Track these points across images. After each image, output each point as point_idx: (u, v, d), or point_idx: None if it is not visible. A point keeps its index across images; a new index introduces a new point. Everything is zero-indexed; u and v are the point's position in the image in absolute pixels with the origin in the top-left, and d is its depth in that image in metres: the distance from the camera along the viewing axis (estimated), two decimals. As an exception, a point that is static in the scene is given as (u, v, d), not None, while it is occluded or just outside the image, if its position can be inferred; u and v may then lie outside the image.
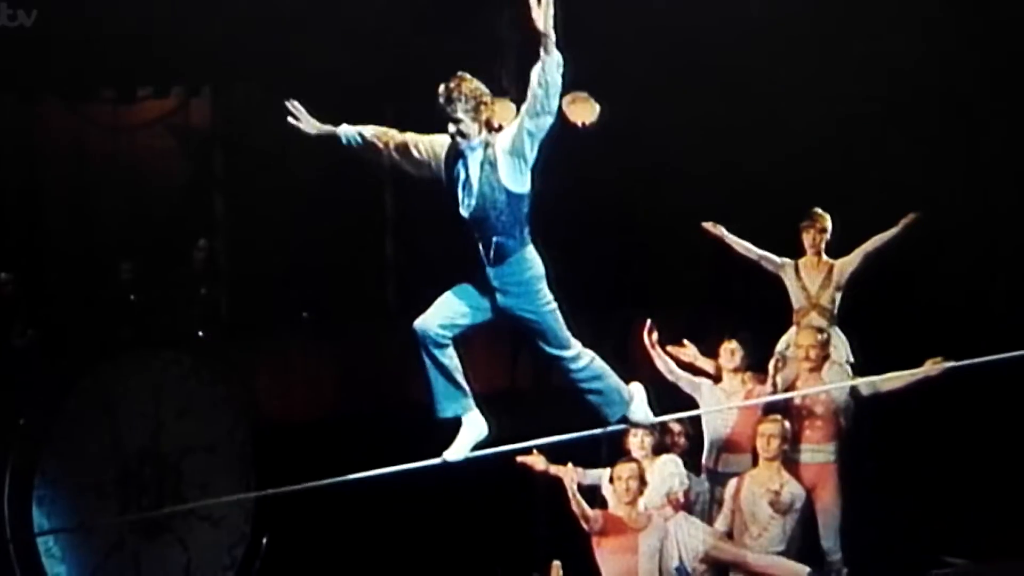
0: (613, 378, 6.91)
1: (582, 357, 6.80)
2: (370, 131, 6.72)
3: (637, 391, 7.07)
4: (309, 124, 6.76)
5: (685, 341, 10.17)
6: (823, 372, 9.95)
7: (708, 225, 10.52)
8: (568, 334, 6.73)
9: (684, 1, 11.59)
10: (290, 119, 6.77)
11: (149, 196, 13.82)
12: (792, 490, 9.47)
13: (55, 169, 13.60)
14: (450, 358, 6.68)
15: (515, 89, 12.07)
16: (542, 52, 6.27)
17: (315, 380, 12.38)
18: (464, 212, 6.53)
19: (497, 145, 6.45)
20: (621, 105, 11.71)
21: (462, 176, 6.50)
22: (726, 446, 9.95)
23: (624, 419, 7.03)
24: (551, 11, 6.21)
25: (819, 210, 10.46)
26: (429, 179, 6.66)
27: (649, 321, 9.93)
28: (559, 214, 11.59)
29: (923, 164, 11.53)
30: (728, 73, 12.18)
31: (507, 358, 11.71)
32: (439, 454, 6.86)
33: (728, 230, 10.50)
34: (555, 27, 6.24)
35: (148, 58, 12.00)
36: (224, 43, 11.65)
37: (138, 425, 10.61)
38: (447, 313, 6.65)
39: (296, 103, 6.75)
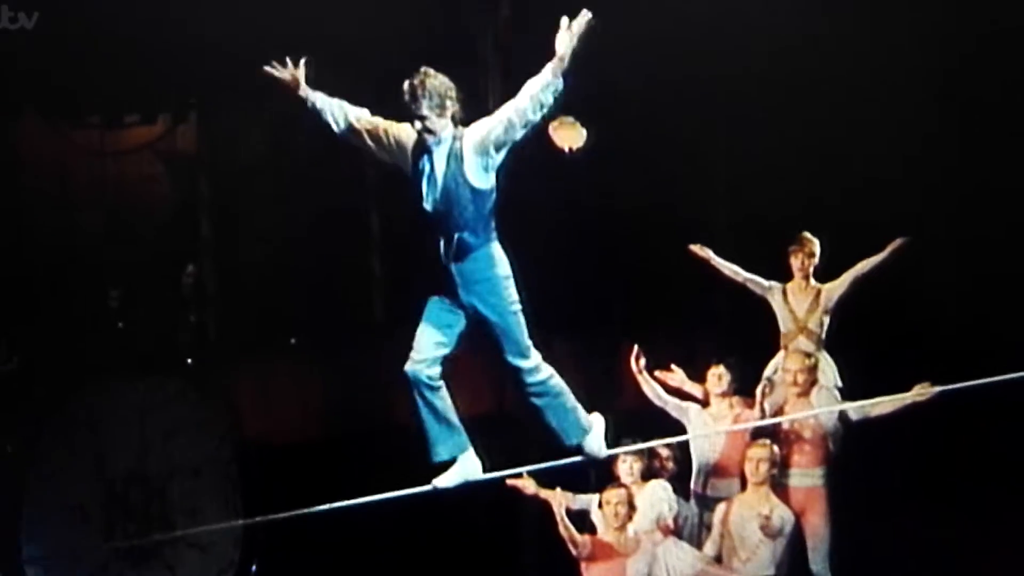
0: (572, 400, 6.75)
1: (541, 370, 6.63)
2: (352, 112, 6.58)
3: (597, 422, 6.89)
4: (299, 84, 6.61)
5: (673, 366, 10.16)
6: (811, 396, 9.95)
7: (695, 247, 10.51)
8: (529, 343, 6.59)
9: (674, 22, 11.61)
10: (277, 69, 6.62)
11: (136, 221, 13.80)
12: (782, 514, 9.47)
13: (41, 194, 13.57)
14: (442, 399, 6.61)
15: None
16: (549, 73, 6.28)
17: (303, 404, 12.35)
18: (427, 206, 6.45)
19: (465, 140, 6.39)
20: (608, 127, 11.71)
21: (427, 170, 6.43)
22: (714, 471, 9.94)
23: (579, 449, 6.85)
24: (575, 40, 6.23)
25: (807, 234, 10.46)
26: (391, 165, 6.57)
27: (636, 347, 9.93)
28: (545, 237, 11.66)
29: (911, 188, 11.55)
30: (716, 96, 12.21)
31: (496, 382, 11.69)
32: (429, 479, 6.83)
33: (715, 253, 10.50)
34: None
35: (135, 83, 12.01)
36: (211, 69, 11.65)
37: (124, 449, 10.59)
38: (428, 347, 6.55)
39: (302, 63, 6.61)
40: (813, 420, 9.85)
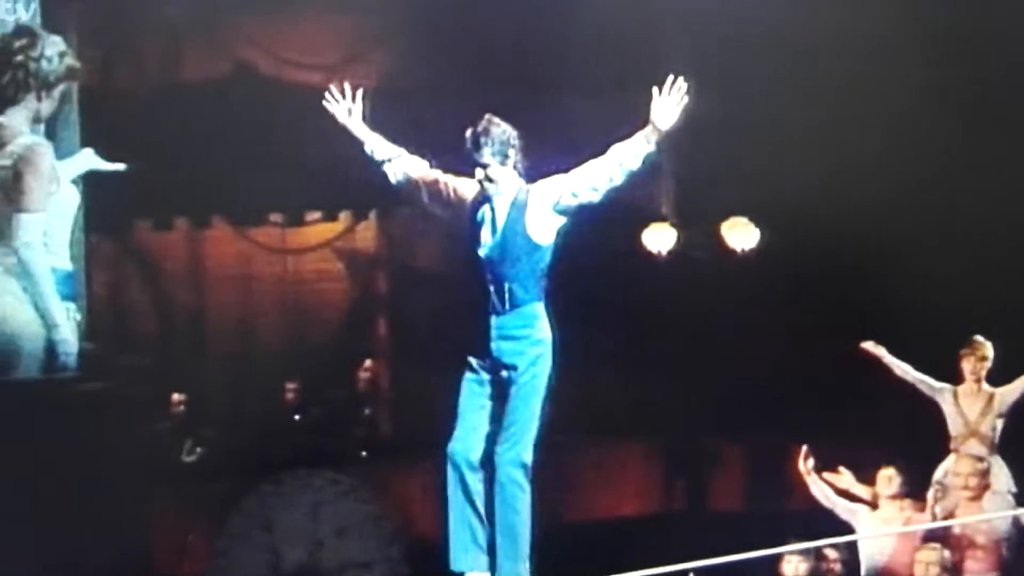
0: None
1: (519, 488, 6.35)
2: (413, 168, 6.57)
3: None
4: (350, 116, 6.60)
5: (841, 468, 10.10)
6: (983, 501, 9.81)
7: (868, 345, 10.43)
8: (527, 457, 6.34)
9: (845, 126, 11.64)
10: (332, 103, 6.59)
11: (314, 317, 14.09)
12: (953, 620, 9.34)
13: (225, 291, 13.94)
14: (479, 497, 6.42)
15: (672, 213, 12.27)
16: (643, 140, 6.23)
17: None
18: (482, 252, 6.34)
19: (533, 193, 6.31)
20: (780, 227, 11.72)
21: (486, 218, 6.32)
22: (883, 574, 9.84)
23: None
24: (677, 109, 6.21)
25: (980, 338, 10.34)
26: (445, 219, 6.53)
27: (804, 448, 9.90)
28: (716, 338, 11.68)
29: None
30: (888, 199, 12.17)
31: (660, 481, 11.70)
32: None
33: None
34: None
35: (316, 185, 12.32)
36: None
37: (297, 543, 10.76)
38: (464, 426, 6.41)
39: (359, 95, 6.58)
40: (986, 525, 9.69)
